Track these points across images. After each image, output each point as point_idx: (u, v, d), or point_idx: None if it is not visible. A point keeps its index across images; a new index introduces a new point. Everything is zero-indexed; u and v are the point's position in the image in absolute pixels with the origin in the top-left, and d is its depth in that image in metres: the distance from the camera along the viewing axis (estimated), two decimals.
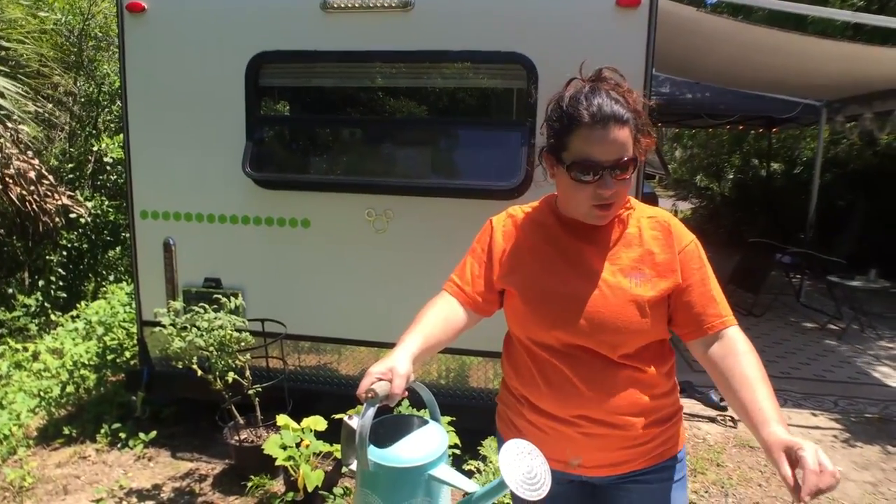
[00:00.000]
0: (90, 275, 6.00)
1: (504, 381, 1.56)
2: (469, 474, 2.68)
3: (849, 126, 7.58)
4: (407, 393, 1.18)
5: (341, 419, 1.14)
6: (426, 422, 1.19)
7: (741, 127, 9.44)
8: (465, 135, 3.39)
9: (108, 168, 6.04)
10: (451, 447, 2.67)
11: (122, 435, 3.55)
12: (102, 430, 3.59)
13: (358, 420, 1.09)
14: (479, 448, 2.76)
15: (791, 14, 6.32)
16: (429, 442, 1.12)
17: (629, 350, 1.35)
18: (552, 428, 1.40)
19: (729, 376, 1.26)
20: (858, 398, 4.52)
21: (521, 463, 1.00)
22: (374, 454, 1.09)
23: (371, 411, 1.08)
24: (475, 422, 3.00)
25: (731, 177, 13.05)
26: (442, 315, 1.40)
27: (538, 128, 2.98)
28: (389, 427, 1.15)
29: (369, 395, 1.10)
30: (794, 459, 1.04)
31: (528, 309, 1.39)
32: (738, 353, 1.29)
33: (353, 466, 1.14)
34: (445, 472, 1.09)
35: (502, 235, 1.47)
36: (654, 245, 1.38)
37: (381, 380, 1.14)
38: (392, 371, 1.16)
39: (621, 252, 1.38)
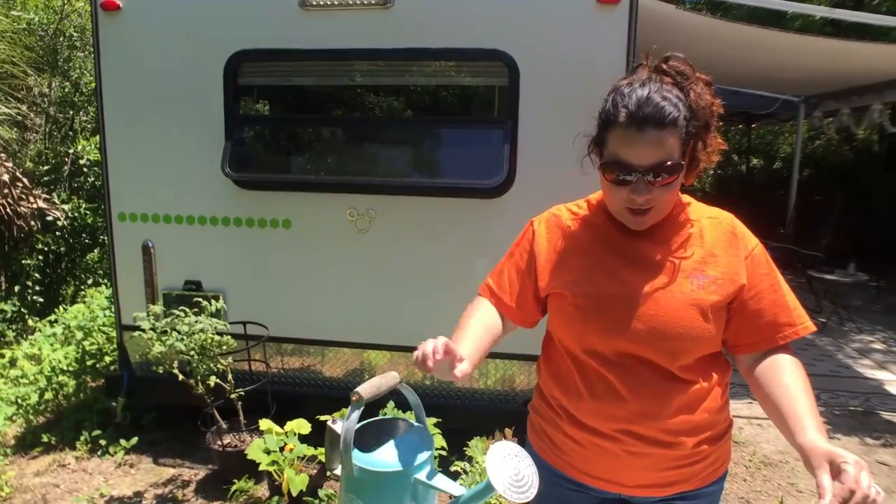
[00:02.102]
0: (68, 279, 5.89)
1: (540, 390, 1.44)
2: (455, 475, 2.67)
3: (826, 122, 7.69)
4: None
5: (326, 422, 1.12)
6: (411, 425, 1.18)
7: (720, 122, 9.53)
8: (447, 133, 3.38)
9: (86, 170, 5.94)
10: (436, 449, 2.65)
11: (103, 442, 3.49)
12: (82, 437, 3.52)
13: (342, 424, 1.06)
14: (465, 449, 2.75)
15: (771, 11, 6.39)
16: (414, 446, 1.11)
17: (688, 360, 1.25)
18: (593, 443, 1.30)
19: (772, 386, 1.20)
20: (840, 391, 4.59)
21: (508, 465, 0.99)
22: (359, 458, 1.07)
23: (355, 415, 1.06)
24: (461, 422, 3.00)
25: (711, 172, 13.18)
26: (482, 323, 1.33)
27: (520, 126, 2.97)
28: (374, 431, 1.14)
29: (360, 396, 1.08)
30: (837, 471, 0.96)
31: (578, 311, 1.28)
32: (783, 365, 1.23)
33: (338, 471, 1.12)
34: (431, 476, 1.08)
35: (546, 238, 1.37)
36: (717, 247, 1.28)
37: (439, 359, 1.08)
38: (452, 353, 1.10)
39: (681, 252, 1.27)
